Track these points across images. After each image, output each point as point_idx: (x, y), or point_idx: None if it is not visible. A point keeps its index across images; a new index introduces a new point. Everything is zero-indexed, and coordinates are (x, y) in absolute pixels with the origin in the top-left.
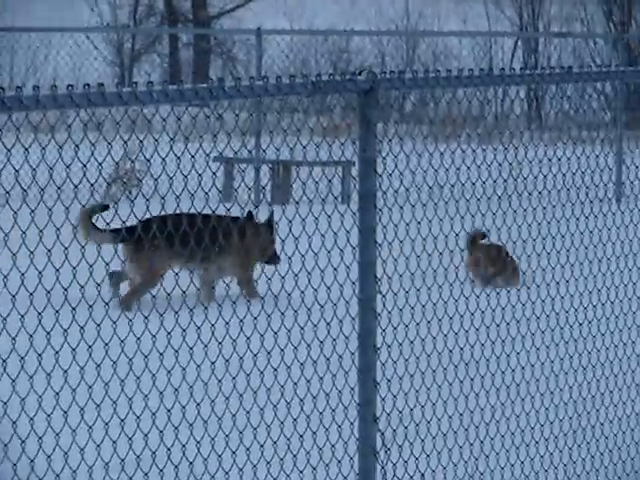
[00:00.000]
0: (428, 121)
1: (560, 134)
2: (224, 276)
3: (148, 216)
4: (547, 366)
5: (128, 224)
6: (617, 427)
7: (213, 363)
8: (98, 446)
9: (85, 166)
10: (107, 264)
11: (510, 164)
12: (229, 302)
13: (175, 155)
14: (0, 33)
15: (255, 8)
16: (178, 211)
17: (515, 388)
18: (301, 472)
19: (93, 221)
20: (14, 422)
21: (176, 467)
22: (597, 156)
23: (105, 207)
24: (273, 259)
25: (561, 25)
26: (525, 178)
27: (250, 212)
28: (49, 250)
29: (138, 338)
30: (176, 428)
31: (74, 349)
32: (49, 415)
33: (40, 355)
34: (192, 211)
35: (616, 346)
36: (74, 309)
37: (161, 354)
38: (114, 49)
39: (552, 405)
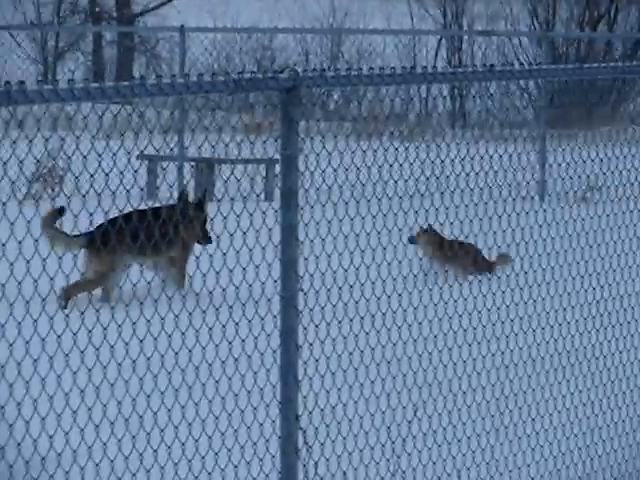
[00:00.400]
0: (351, 119)
1: (483, 132)
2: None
3: (108, 218)
4: (469, 364)
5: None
6: (539, 425)
7: (134, 361)
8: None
9: (6, 164)
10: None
11: (433, 162)
12: (151, 299)
13: (97, 153)
14: None
15: (179, 6)
16: (130, 209)
17: (437, 386)
18: (223, 470)
19: (57, 227)
20: None
21: (97, 465)
22: (520, 154)
23: (62, 210)
24: (205, 239)
25: (485, 23)
26: (448, 176)
27: (183, 191)
28: None
29: (58, 336)
30: (97, 426)
31: None
32: None
33: None
34: (141, 208)
35: (539, 344)
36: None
37: (82, 352)
38: (38, 47)
39: (474, 403)
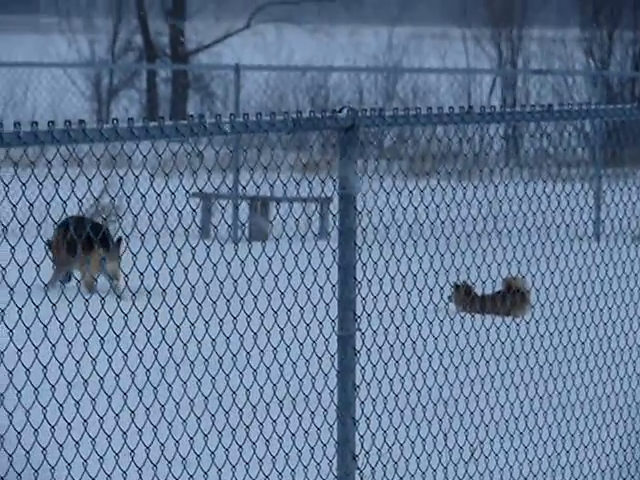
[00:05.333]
0: (407, 157)
1: (539, 171)
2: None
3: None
4: (526, 404)
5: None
6: (596, 465)
7: (192, 400)
8: None
9: (65, 202)
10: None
11: (490, 201)
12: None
13: (155, 191)
14: None
15: (233, 43)
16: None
17: (494, 426)
18: None
19: None
20: None
21: None
22: (577, 194)
23: None
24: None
25: (540, 62)
26: (505, 216)
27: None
28: (29, 287)
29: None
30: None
31: None
32: None
33: None
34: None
35: (596, 385)
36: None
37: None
38: (92, 84)
39: (531, 444)
